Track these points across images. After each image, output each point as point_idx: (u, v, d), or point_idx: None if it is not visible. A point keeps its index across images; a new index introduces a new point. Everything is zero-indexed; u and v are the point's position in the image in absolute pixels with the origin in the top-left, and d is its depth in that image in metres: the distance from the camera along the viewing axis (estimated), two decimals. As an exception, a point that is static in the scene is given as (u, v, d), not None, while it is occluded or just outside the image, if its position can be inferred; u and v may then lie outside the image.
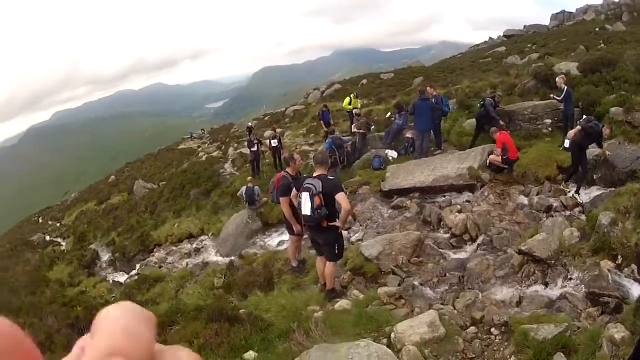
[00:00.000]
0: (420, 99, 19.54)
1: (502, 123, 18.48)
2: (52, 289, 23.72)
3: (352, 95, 29.18)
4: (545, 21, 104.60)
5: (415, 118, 19.94)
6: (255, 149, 27.11)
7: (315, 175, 9.09)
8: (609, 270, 8.85)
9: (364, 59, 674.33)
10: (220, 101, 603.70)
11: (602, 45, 39.58)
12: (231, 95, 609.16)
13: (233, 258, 16.45)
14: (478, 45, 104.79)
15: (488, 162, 16.37)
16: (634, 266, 8.85)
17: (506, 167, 16.09)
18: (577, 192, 14.36)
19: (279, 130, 33.80)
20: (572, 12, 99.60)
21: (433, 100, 19.56)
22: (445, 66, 65.70)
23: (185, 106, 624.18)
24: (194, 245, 22.19)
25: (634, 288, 8.44)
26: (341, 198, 8.77)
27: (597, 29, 59.41)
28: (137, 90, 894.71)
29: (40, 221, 68.94)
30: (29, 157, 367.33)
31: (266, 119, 62.18)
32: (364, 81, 61.08)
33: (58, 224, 56.38)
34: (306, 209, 9.00)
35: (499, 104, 19.66)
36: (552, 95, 18.59)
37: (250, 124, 45.74)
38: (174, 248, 23.00)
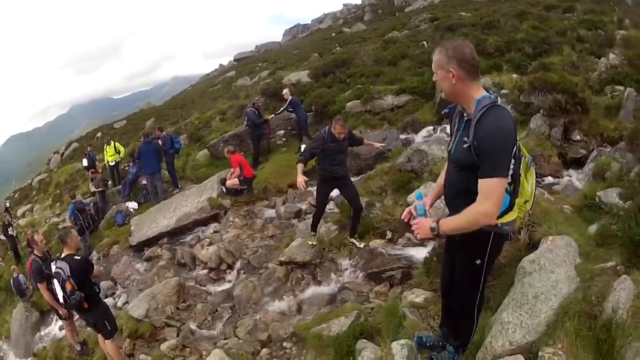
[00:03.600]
0: (144, 143, 19.47)
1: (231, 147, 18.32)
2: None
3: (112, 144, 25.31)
4: (279, 38, 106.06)
5: (142, 163, 19.71)
6: (12, 233, 25.92)
7: (62, 255, 8.68)
8: (381, 248, 9.35)
9: (99, 109, 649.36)
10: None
11: (338, 48, 40.95)
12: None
13: (29, 359, 15.53)
14: (209, 74, 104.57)
15: (224, 188, 16.50)
16: (408, 234, 9.41)
17: (244, 187, 16.32)
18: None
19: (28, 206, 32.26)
20: (307, 24, 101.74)
21: (160, 141, 19.44)
22: (176, 102, 65.35)
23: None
24: None
25: (415, 252, 8.90)
26: (96, 274, 8.83)
27: (334, 34, 61.36)
28: None
29: None
30: None
31: (16, 195, 59.07)
32: (99, 134, 59.08)
33: None
34: (60, 297, 8.63)
35: (259, 110, 19.58)
36: (276, 112, 19.38)
37: (7, 203, 43.28)
38: None
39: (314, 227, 10.66)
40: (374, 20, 67.92)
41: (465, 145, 3.74)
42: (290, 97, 18.80)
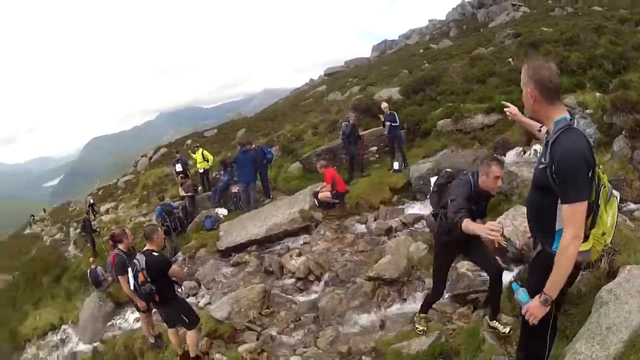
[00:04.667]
0: (241, 152, 19.68)
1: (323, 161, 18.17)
2: None
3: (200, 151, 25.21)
4: (369, 54, 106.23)
5: (237, 172, 20.04)
6: (93, 227, 26.60)
7: (143, 249, 8.95)
8: (467, 270, 9.10)
9: (188, 117, 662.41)
10: (55, 178, 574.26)
11: (426, 65, 40.41)
12: (65, 170, 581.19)
13: (96, 344, 15.58)
14: (299, 88, 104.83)
15: (316, 200, 16.49)
16: (497, 257, 8.66)
17: (337, 201, 16.25)
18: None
19: (112, 204, 33.12)
20: (394, 40, 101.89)
21: (253, 152, 19.59)
22: (267, 114, 65.43)
23: (22, 186, 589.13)
24: (59, 337, 20.88)
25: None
26: (173, 273, 8.86)
27: (421, 50, 61.09)
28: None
29: None
30: None
31: (100, 192, 60.34)
32: (189, 141, 59.97)
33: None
34: (131, 285, 8.93)
35: (353, 125, 19.04)
36: (385, 122, 18.45)
37: (91, 200, 44.19)
38: (42, 342, 21.63)
39: (425, 308, 8.13)
40: (460, 36, 67.76)
41: (541, 167, 3.80)
42: (388, 112, 18.64)
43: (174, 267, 9.02)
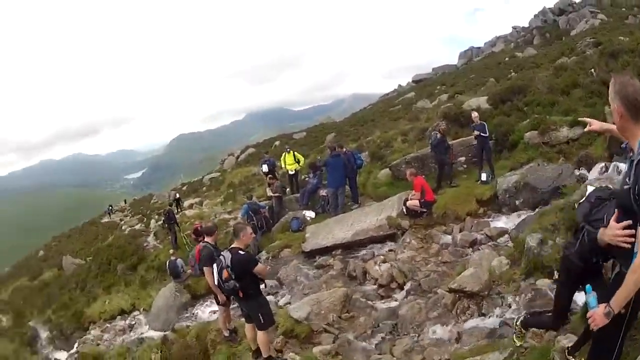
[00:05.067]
0: (331, 156, 19.72)
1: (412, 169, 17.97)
2: (-3, 366, 22.51)
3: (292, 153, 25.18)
4: (454, 60, 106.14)
5: (327, 175, 20.10)
6: (176, 220, 27.39)
7: (230, 247, 9.08)
8: (547, 289, 8.90)
9: (276, 119, 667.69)
10: (138, 171, 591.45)
11: (513, 74, 40.28)
12: (148, 164, 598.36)
13: (166, 332, 15.81)
14: (387, 94, 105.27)
15: (405, 208, 16.36)
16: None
17: (424, 210, 16.10)
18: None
19: (197, 200, 33.67)
20: (480, 47, 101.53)
21: (344, 157, 19.60)
22: (356, 119, 65.78)
23: (104, 177, 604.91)
24: (127, 321, 21.62)
25: (577, 297, 8.42)
26: (259, 271, 8.87)
27: (507, 59, 61.09)
28: (58, 160, 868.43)
29: (-26, 297, 66.28)
30: None
31: (184, 188, 61.51)
32: (277, 142, 60.59)
33: (-6, 300, 54.39)
34: (215, 279, 9.15)
35: (443, 134, 18.86)
36: (476, 132, 18.05)
37: (177, 194, 45.07)
38: (108, 325, 22.26)
39: (531, 325, 7.30)
40: (543, 44, 67.11)
41: (625, 187, 3.59)
42: (478, 122, 18.30)
43: (260, 265, 9.10)
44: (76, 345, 21.95)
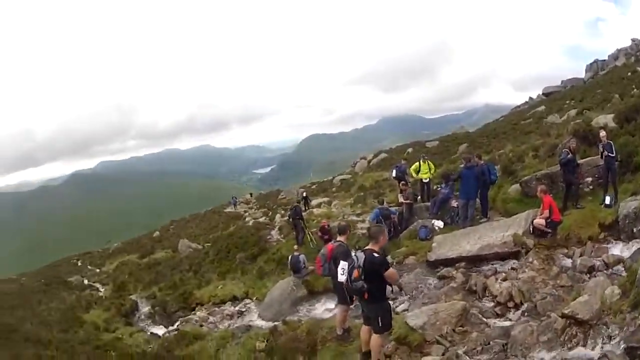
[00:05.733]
0: (465, 167, 19.60)
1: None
2: (86, 331, 23.90)
3: (427, 162, 25.04)
4: (578, 71, 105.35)
5: (460, 186, 19.90)
6: (302, 217, 27.82)
7: (365, 248, 9.14)
8: None
9: (409, 126, 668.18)
10: (267, 167, 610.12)
11: (635, 91, 40.15)
12: (278, 161, 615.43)
13: (277, 323, 16.15)
14: (519, 106, 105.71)
15: (531, 227, 16.00)
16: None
17: (550, 230, 15.70)
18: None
19: (325, 199, 33.85)
20: (604, 60, 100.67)
21: (478, 169, 19.35)
22: (489, 131, 65.51)
23: (232, 169, 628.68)
24: (237, 308, 22.31)
25: None
26: (389, 275, 8.87)
27: (629, 74, 60.47)
28: (184, 150, 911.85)
29: (79, 264, 71.01)
30: (71, 200, 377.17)
31: (313, 187, 62.21)
32: (410, 149, 60.66)
33: (97, 270, 57.66)
34: (342, 277, 9.28)
35: (573, 152, 18.25)
36: (604, 152, 17.40)
37: (305, 193, 45.69)
38: (216, 309, 23.08)
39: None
40: None
41: None
42: (606, 141, 17.38)
43: (391, 269, 9.12)
44: (177, 323, 22.91)
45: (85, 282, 49.04)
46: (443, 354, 9.94)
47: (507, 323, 11.27)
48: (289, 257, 21.43)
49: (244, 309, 21.95)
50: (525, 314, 11.46)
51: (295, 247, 22.76)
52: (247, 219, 50.45)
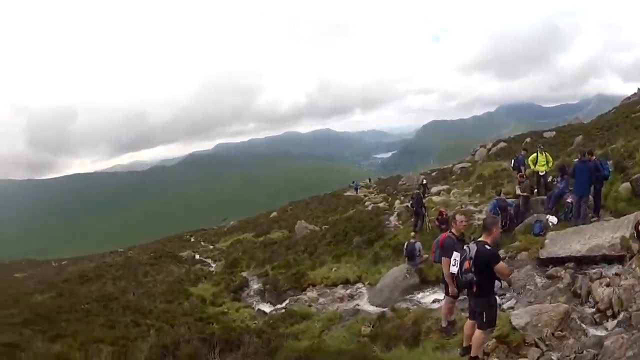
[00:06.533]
0: (580, 161, 18.74)
1: None
2: (191, 303, 24.67)
3: (544, 153, 24.33)
4: None
5: (574, 181, 19.05)
6: (423, 204, 27.66)
7: (478, 239, 9.02)
8: None
9: (526, 114, 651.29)
10: (388, 152, 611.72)
11: None
12: (399, 146, 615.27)
13: (385, 309, 16.09)
14: (629, 98, 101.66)
15: (635, 232, 14.75)
16: None
17: None
18: None
19: (445, 187, 33.52)
20: None
21: (592, 164, 18.42)
22: (602, 123, 62.71)
23: (353, 153, 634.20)
24: (348, 291, 22.39)
25: None
26: (499, 269, 8.69)
27: None
28: (304, 133, 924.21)
29: (192, 240, 72.60)
30: (187, 180, 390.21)
31: (433, 174, 61.74)
32: (527, 139, 59.04)
33: (210, 246, 58.95)
34: (453, 268, 9.27)
35: None
36: None
37: (424, 180, 45.38)
38: (327, 290, 23.31)
39: None
40: None
41: None
42: None
43: (502, 263, 8.96)
44: (286, 301, 23.33)
45: (197, 257, 50.28)
46: (538, 358, 9.69)
47: (603, 332, 10.83)
48: (405, 244, 21.15)
49: (355, 293, 21.98)
50: (621, 324, 10.91)
51: (412, 234, 22.52)
52: (366, 204, 50.47)
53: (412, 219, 28.65)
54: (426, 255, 19.36)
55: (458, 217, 11.97)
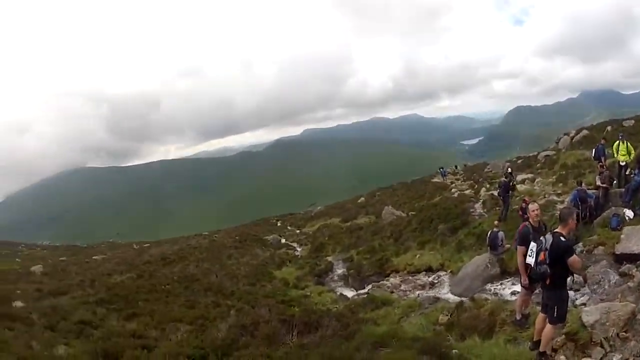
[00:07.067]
0: None
1: None
2: (274, 286, 25.36)
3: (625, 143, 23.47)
4: None
5: None
6: (509, 193, 27.29)
7: (554, 230, 9.02)
8: None
9: (607, 101, 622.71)
10: (475, 138, 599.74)
11: None
12: (485, 132, 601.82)
13: (464, 299, 16.23)
14: None
15: None
16: None
17: None
18: None
19: (529, 175, 33.23)
20: None
21: None
22: None
23: (440, 139, 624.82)
24: (430, 279, 22.59)
25: None
26: (572, 263, 8.68)
27: None
28: (392, 119, 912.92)
29: (279, 224, 74.01)
30: (273, 165, 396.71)
31: (519, 161, 60.87)
32: (609, 128, 57.42)
33: (297, 231, 60.08)
34: (529, 259, 9.18)
35: None
36: None
37: (510, 168, 44.93)
38: (410, 277, 23.52)
39: None
40: None
41: None
42: None
43: (575, 257, 8.94)
44: (369, 287, 23.61)
45: (283, 241, 51.12)
46: (601, 359, 9.60)
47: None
48: (488, 233, 21.12)
49: (436, 281, 22.12)
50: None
51: (496, 222, 22.44)
52: (452, 191, 50.18)
53: (499, 207, 28.61)
54: (508, 245, 19.33)
55: (531, 206, 11.87)
